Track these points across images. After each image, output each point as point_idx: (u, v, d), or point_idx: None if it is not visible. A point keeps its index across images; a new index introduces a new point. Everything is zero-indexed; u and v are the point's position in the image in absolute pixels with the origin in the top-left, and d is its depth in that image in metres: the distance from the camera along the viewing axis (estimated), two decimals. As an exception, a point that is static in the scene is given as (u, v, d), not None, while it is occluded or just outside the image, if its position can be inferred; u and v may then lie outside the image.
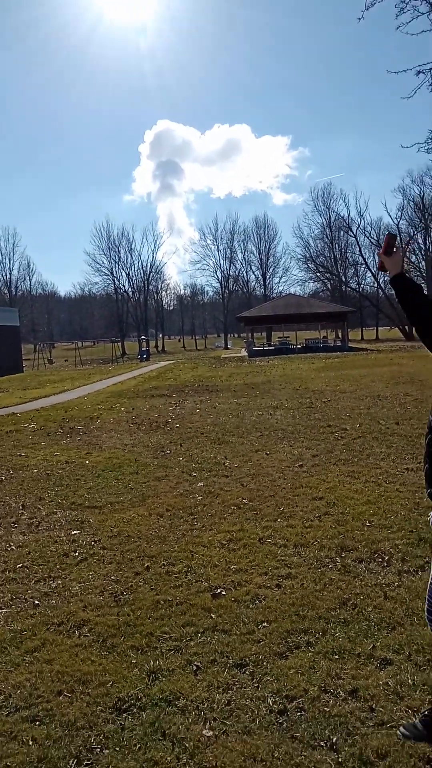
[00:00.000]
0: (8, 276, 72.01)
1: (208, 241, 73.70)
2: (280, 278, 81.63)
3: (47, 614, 3.39)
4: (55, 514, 5.29)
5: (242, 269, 75.78)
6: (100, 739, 2.33)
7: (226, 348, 62.89)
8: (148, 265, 72.16)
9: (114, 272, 69.44)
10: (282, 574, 3.74)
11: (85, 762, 2.22)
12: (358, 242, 61.11)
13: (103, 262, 68.58)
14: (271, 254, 73.73)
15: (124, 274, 70.67)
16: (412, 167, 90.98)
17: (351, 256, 63.23)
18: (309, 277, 67.40)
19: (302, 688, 2.56)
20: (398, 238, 2.64)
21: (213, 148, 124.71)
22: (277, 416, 10.02)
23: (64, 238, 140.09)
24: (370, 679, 2.59)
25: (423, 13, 13.77)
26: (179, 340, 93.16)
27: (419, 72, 14.17)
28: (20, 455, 7.89)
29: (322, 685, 2.57)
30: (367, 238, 60.71)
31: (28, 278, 76.00)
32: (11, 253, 72.95)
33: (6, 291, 71.74)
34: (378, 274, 48.35)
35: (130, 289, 71.96)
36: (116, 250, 69.33)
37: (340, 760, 2.15)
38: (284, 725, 2.35)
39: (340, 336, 46.33)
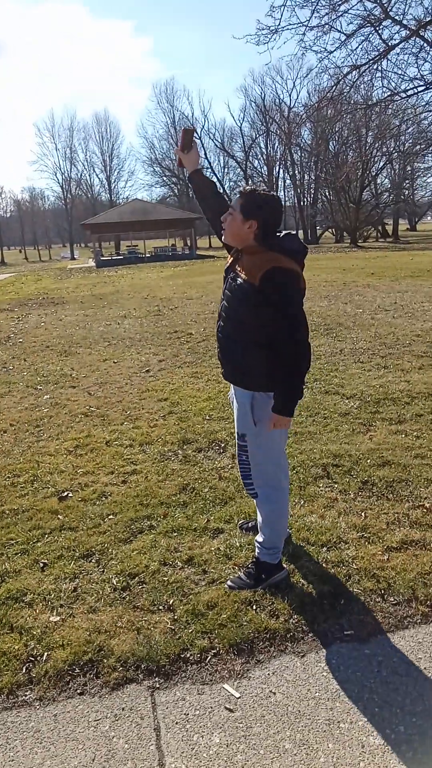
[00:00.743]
0: None
1: (45, 138, 67.00)
2: (126, 182, 77.99)
3: None
4: None
5: (85, 171, 70.73)
6: None
7: (73, 259, 59.68)
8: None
9: None
10: (128, 471, 3.91)
11: None
12: (203, 145, 59.63)
13: None
14: (115, 155, 69.48)
15: None
16: (253, 66, 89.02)
17: (197, 160, 61.73)
18: (156, 182, 65.12)
19: (144, 565, 2.79)
20: (195, 132, 2.70)
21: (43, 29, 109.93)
22: (125, 325, 9.96)
23: None
24: (204, 547, 2.91)
25: None
26: (20, 251, 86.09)
27: None
28: None
29: (162, 559, 2.83)
30: (212, 140, 59.53)
31: None
32: None
33: None
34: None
35: None
36: None
37: (175, 617, 2.43)
38: (127, 599, 2.58)
39: (188, 244, 46.15)
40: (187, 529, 3.08)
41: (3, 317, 12.20)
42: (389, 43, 15.53)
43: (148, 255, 40.08)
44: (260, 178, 58.29)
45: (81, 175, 70.28)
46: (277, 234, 2.34)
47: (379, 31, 15.39)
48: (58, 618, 2.47)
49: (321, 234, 52.80)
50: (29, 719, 2.02)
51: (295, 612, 2.42)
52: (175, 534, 3.06)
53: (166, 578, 2.69)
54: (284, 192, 60.41)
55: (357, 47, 16.05)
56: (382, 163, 42.05)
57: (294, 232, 2.41)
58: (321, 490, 3.44)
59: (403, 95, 16.96)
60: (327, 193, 48.07)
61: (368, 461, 3.76)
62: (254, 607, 2.46)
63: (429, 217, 72.05)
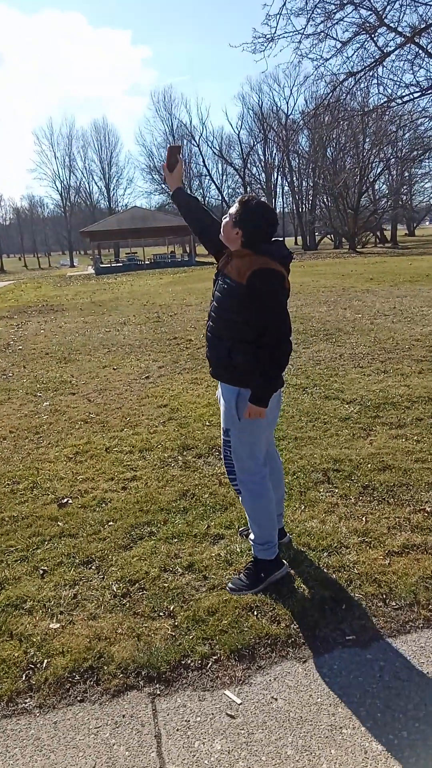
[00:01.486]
0: None
1: (44, 147, 67.28)
2: (125, 190, 78.39)
3: None
4: None
5: (84, 179, 71.05)
6: None
7: (72, 266, 59.79)
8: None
9: None
10: (127, 477, 3.91)
11: None
12: (201, 152, 59.98)
13: None
14: (114, 163, 69.83)
15: None
16: (251, 74, 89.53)
17: (195, 167, 62.06)
18: (154, 189, 65.26)
19: (144, 571, 2.78)
20: (181, 149, 2.77)
21: (41, 37, 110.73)
22: (125, 332, 9.97)
23: None
24: (205, 553, 2.90)
25: None
26: (20, 259, 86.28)
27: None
28: None
29: (162, 565, 2.82)
30: (210, 147, 59.81)
31: None
32: None
33: None
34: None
35: None
36: None
37: (176, 623, 2.42)
38: (127, 605, 2.56)
39: (188, 250, 46.26)
40: (188, 535, 3.07)
41: (2, 324, 12.21)
42: (385, 50, 15.65)
43: (147, 262, 40.20)
44: (258, 185, 58.57)
45: (80, 182, 70.76)
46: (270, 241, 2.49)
47: (375, 39, 15.53)
48: (58, 625, 2.46)
49: (319, 240, 52.93)
50: (29, 727, 2.01)
51: (297, 617, 2.41)
52: (176, 540, 3.05)
53: (166, 584, 2.68)
54: (282, 199, 60.77)
55: (353, 54, 16.36)
56: (379, 169, 42.23)
57: (282, 239, 2.57)
58: (322, 495, 3.43)
59: (400, 101, 17.08)
60: (325, 200, 48.26)
61: (369, 466, 3.76)
62: (255, 613, 2.45)
63: (427, 222, 72.32)
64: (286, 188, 58.60)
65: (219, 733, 1.92)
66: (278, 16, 14.32)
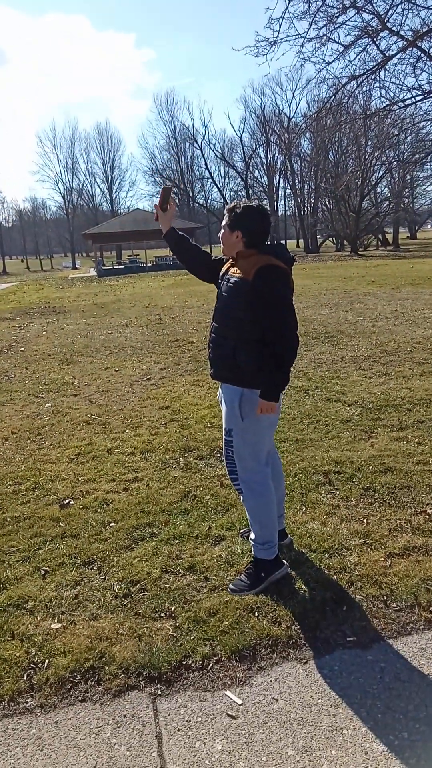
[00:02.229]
0: None
1: (46, 149, 67.50)
2: (127, 192, 78.53)
3: None
4: None
5: (86, 182, 71.21)
6: None
7: (75, 268, 59.91)
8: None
9: None
10: (129, 478, 3.91)
11: None
12: (203, 155, 60.14)
13: None
14: (117, 166, 70.02)
15: None
16: (253, 77, 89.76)
17: (198, 170, 62.26)
18: (157, 192, 65.21)
19: (145, 572, 2.79)
20: (172, 191, 2.87)
21: (46, 39, 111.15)
22: (127, 334, 9.99)
23: None
24: (206, 554, 2.90)
25: None
26: (22, 261, 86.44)
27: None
28: None
29: (163, 566, 2.83)
30: (212, 150, 59.94)
31: None
32: None
33: None
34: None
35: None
36: None
37: (177, 624, 2.42)
38: (128, 606, 2.57)
39: (190, 253, 46.16)
40: (189, 537, 3.08)
41: (5, 326, 12.24)
42: (387, 54, 15.64)
43: (149, 264, 40.23)
44: (260, 188, 58.64)
45: (82, 185, 70.88)
46: (267, 244, 2.56)
47: (377, 42, 15.52)
48: (60, 625, 2.47)
49: (321, 243, 52.94)
50: (30, 726, 2.01)
51: (298, 618, 2.42)
52: (177, 541, 3.05)
53: (167, 585, 2.68)
54: (284, 201, 60.85)
55: (355, 58, 16.17)
56: (381, 172, 42.23)
57: (283, 242, 2.60)
58: (323, 497, 3.43)
59: (402, 105, 17.08)
60: (327, 203, 48.24)
61: (370, 468, 3.76)
62: (256, 614, 2.45)
63: (429, 226, 72.31)
64: (288, 191, 58.71)
65: (220, 733, 1.93)
66: (281, 19, 14.33)
